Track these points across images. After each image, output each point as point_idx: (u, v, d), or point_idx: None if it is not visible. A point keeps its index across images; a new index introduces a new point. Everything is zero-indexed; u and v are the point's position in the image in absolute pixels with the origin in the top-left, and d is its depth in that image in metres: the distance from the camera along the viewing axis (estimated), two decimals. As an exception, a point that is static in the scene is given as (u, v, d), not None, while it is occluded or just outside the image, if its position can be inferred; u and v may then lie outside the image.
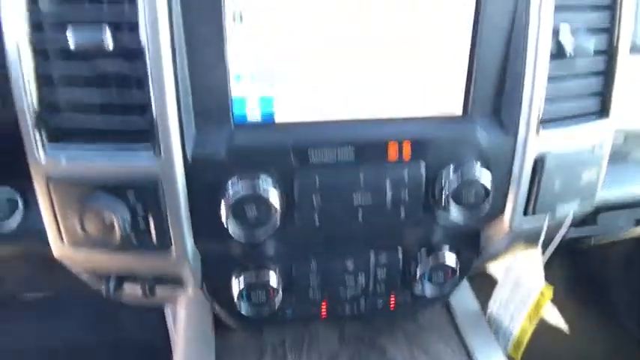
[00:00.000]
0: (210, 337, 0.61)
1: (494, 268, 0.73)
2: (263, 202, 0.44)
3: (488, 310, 0.66)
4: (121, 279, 0.54)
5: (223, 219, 0.44)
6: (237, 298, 0.51)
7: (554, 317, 1.04)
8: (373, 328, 0.63)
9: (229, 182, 0.44)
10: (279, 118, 0.46)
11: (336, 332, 0.63)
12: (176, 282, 0.54)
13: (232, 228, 0.44)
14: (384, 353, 0.61)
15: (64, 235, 0.46)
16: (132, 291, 0.55)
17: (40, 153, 0.43)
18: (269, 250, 0.52)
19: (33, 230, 0.49)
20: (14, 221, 0.51)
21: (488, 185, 0.47)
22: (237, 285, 0.51)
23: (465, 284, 0.70)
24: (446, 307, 0.67)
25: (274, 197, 0.44)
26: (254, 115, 0.45)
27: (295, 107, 0.46)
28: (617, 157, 0.62)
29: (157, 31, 0.39)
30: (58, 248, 0.48)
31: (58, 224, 0.46)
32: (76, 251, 0.47)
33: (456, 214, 0.48)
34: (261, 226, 0.45)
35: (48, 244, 0.49)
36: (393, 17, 0.44)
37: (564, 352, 1.01)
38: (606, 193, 0.60)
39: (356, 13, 0.43)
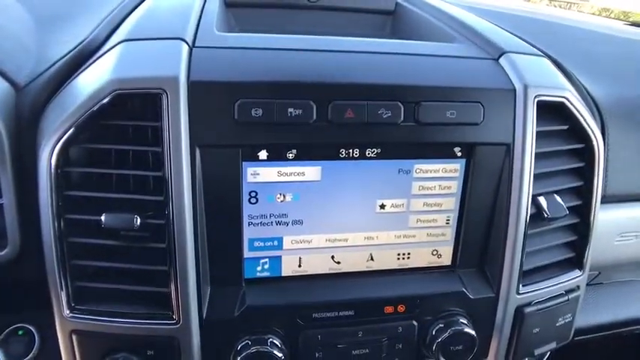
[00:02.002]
0: None
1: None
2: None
3: None
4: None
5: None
6: None
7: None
8: None
9: (239, 341, 0.48)
10: (285, 273, 0.51)
11: None
12: None
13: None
14: None
15: None
16: None
17: (66, 310, 0.47)
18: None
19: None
20: (32, 354, 0.55)
21: (474, 337, 0.52)
22: None
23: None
24: None
25: (278, 355, 0.48)
26: (264, 270, 0.50)
27: (300, 265, 0.51)
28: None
29: (183, 213, 0.44)
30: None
31: None
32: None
33: (445, 363, 0.53)
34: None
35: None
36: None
37: None
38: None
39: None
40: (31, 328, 0.58)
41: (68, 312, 0.47)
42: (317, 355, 0.50)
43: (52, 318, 0.53)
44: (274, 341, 0.48)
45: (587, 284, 0.61)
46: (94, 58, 0.48)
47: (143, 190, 0.45)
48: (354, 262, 0.52)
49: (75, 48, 0.51)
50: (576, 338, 0.70)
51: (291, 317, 0.49)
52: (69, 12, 0.60)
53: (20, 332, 0.58)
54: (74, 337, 0.47)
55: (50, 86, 0.48)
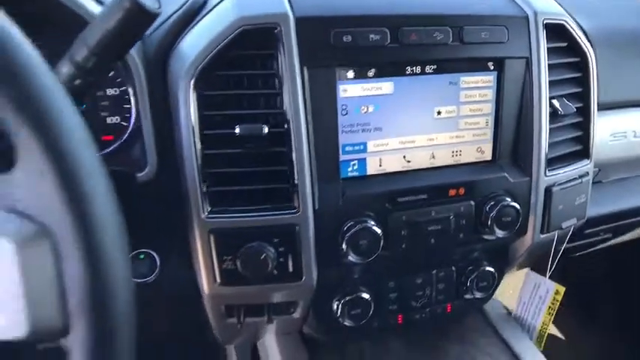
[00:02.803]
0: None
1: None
2: (370, 235, 0.61)
3: (514, 312, 0.85)
4: (246, 311, 0.68)
5: (344, 249, 0.61)
6: (340, 314, 0.67)
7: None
8: (431, 332, 0.80)
9: (344, 224, 0.61)
10: (369, 172, 0.64)
11: (404, 339, 0.79)
12: (289, 309, 0.69)
13: (350, 256, 0.61)
14: (440, 351, 0.78)
15: (217, 276, 0.61)
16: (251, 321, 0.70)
17: (204, 213, 0.58)
18: (368, 272, 0.68)
19: (168, 279, 0.65)
20: (154, 275, 0.66)
21: (518, 209, 0.67)
22: (339, 303, 0.67)
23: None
24: (481, 312, 0.85)
25: (377, 231, 0.61)
26: (353, 170, 0.63)
27: (380, 165, 0.64)
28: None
29: (299, 121, 0.57)
30: (210, 287, 0.62)
31: (213, 267, 0.60)
32: (226, 288, 0.62)
33: (498, 233, 0.67)
34: (368, 253, 0.61)
35: (181, 289, 0.64)
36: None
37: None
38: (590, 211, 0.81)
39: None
40: (152, 252, 0.69)
41: (206, 214, 0.58)
42: (403, 232, 0.64)
43: (170, 243, 0.65)
44: (371, 222, 0.61)
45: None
46: (209, 7, 0.61)
47: (268, 105, 0.57)
48: (420, 160, 0.66)
49: (185, 3, 0.63)
50: (586, 231, 0.86)
51: (382, 203, 0.62)
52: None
53: (141, 256, 0.69)
54: (212, 236, 0.59)
55: (171, 34, 0.60)
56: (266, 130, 0.56)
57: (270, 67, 0.57)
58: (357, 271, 0.69)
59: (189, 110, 0.56)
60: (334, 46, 0.57)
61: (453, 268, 0.74)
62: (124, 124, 0.62)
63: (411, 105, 0.63)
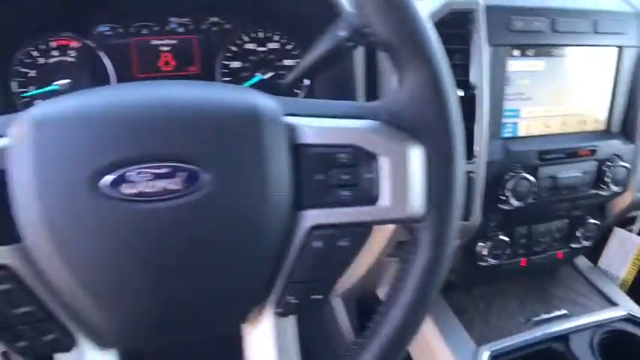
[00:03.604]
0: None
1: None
2: (528, 183, 0.75)
3: (600, 265, 1.01)
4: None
5: (506, 195, 0.75)
6: (486, 253, 0.82)
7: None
8: (540, 278, 0.95)
9: (506, 174, 0.76)
10: (519, 134, 0.79)
11: (518, 284, 0.94)
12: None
13: (511, 201, 0.76)
14: (547, 293, 0.93)
15: None
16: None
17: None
18: (506, 219, 0.83)
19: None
20: None
21: (629, 170, 0.83)
22: (484, 244, 0.82)
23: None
24: (572, 265, 1.01)
25: (533, 180, 0.76)
26: (508, 132, 0.78)
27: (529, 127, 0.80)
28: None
29: (482, 88, 0.72)
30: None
31: None
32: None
33: (613, 189, 0.83)
34: (524, 199, 0.76)
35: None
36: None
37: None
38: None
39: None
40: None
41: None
42: (546, 184, 0.79)
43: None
44: (524, 173, 0.76)
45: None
46: None
47: (459, 74, 0.72)
48: (556, 127, 0.81)
49: None
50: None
51: (532, 159, 0.77)
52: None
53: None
54: None
55: None
56: (461, 93, 0.71)
57: (464, 43, 0.71)
58: (498, 218, 0.83)
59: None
60: (510, 30, 0.72)
61: (566, 220, 0.89)
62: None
63: (555, 81, 0.79)
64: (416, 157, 0.42)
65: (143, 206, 0.37)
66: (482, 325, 0.86)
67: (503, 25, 0.72)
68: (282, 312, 0.45)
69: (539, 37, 0.75)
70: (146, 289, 0.39)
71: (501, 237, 0.83)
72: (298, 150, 0.41)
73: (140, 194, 0.36)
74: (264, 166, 0.39)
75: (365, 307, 1.03)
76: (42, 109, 0.38)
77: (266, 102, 0.41)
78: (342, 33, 0.59)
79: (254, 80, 0.80)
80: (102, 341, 0.44)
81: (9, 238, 0.37)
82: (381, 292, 0.97)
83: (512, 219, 0.84)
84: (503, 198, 0.76)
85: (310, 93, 0.83)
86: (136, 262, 0.38)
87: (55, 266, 0.37)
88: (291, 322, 0.54)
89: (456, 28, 0.71)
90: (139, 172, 0.36)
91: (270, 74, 0.81)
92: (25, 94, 0.74)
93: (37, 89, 0.74)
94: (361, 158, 0.41)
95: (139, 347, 0.42)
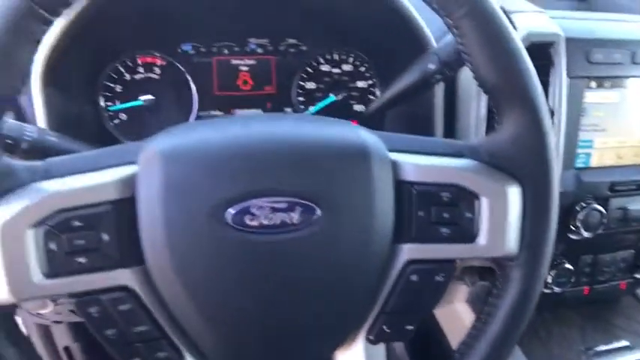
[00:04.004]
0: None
1: None
2: (598, 215, 0.75)
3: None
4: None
5: (577, 225, 0.75)
6: (551, 280, 0.82)
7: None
8: (602, 308, 0.94)
9: (576, 204, 0.76)
10: (593, 164, 0.79)
11: (578, 313, 0.93)
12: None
13: (581, 231, 0.75)
14: (609, 323, 0.92)
15: None
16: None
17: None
18: (572, 247, 0.83)
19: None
20: None
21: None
22: (550, 272, 0.82)
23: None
24: (634, 296, 0.99)
25: (603, 211, 0.76)
26: (581, 162, 0.78)
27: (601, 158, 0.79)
28: None
29: (560, 118, 0.72)
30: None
31: None
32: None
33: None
34: (594, 229, 0.76)
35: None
36: None
37: None
38: None
39: None
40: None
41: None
42: (616, 215, 0.78)
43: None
44: (595, 204, 0.76)
45: None
46: None
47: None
48: (629, 158, 0.81)
49: None
50: None
51: (603, 190, 0.77)
52: None
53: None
54: None
55: None
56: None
57: (544, 75, 0.72)
58: (564, 247, 0.83)
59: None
60: (590, 62, 0.72)
61: (632, 250, 0.88)
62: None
63: (629, 112, 0.78)
64: (514, 197, 0.43)
65: (262, 238, 0.39)
66: (542, 353, 0.86)
67: (583, 57, 0.72)
68: (374, 339, 0.47)
69: (618, 69, 0.75)
70: (255, 314, 0.42)
71: (566, 265, 0.83)
72: (401, 186, 0.43)
73: (261, 226, 0.39)
74: (373, 202, 0.41)
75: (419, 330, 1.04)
76: (168, 141, 0.40)
77: (371, 138, 0.43)
78: (432, 66, 0.61)
79: (327, 101, 0.83)
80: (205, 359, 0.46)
81: (132, 260, 0.40)
82: (439, 314, 0.98)
83: (577, 248, 0.84)
84: (574, 228, 0.76)
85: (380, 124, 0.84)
86: (248, 289, 0.40)
87: (173, 289, 0.40)
88: (381, 349, 0.56)
89: (535, 59, 0.71)
90: (260, 206, 0.39)
91: (342, 95, 0.83)
92: (110, 108, 0.78)
93: (122, 103, 0.78)
94: (463, 197, 0.43)
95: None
